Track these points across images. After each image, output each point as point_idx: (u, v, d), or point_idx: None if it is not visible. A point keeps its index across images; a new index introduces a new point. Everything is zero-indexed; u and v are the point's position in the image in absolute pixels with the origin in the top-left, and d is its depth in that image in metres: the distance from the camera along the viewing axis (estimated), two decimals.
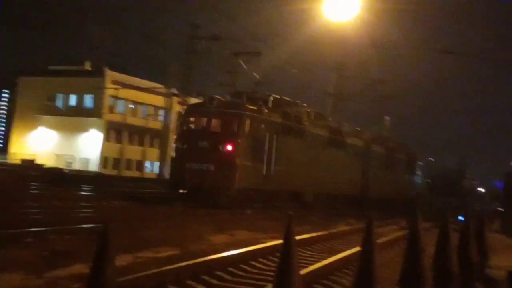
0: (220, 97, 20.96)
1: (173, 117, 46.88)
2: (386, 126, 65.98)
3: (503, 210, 22.94)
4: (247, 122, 19.91)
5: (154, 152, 54.25)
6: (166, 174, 43.02)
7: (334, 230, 14.96)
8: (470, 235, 3.31)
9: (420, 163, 39.54)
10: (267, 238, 12.11)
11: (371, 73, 44.25)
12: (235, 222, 15.07)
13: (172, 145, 40.74)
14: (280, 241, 2.87)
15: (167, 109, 46.94)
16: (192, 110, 21.60)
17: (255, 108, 20.55)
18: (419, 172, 38.63)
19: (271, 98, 22.08)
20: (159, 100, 50.40)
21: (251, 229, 13.81)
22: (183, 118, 21.48)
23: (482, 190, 68.13)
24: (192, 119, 20.73)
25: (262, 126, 20.51)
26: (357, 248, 3.16)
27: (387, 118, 65.90)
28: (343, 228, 16.35)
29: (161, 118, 51.83)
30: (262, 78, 26.68)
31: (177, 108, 44.21)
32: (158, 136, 52.40)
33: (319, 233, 13.28)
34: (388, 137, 35.71)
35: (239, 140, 19.58)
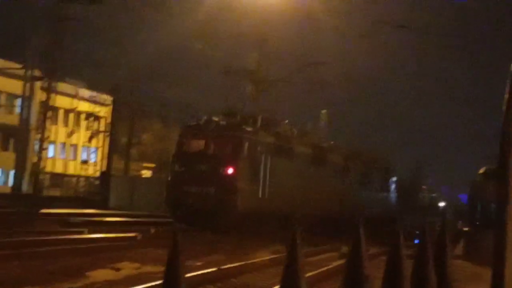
0: (216, 118, 25.98)
1: (35, 108, 45.15)
2: (322, 121, 67.65)
3: (467, 230, 24.03)
4: (246, 144, 24.73)
5: (7, 157, 52.33)
6: (26, 187, 41.66)
7: (256, 260, 15.08)
8: (428, 263, 3.37)
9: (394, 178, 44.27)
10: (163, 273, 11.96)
11: (305, 53, 45.04)
12: (122, 250, 14.82)
13: (35, 148, 39.37)
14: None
15: (27, 98, 45.00)
16: (188, 131, 26.19)
17: (252, 130, 25.69)
18: (393, 187, 44.02)
19: (260, 118, 27.30)
20: (14, 85, 48.63)
21: (142, 260, 13.64)
22: (179, 140, 26.34)
23: (443, 204, 71.21)
24: (188, 141, 25.46)
25: (258, 148, 25.39)
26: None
27: (324, 111, 67.57)
28: (268, 256, 16.53)
29: (18, 109, 50.00)
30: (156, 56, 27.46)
31: (40, 96, 42.73)
32: (13, 135, 50.58)
33: (232, 265, 13.36)
34: (365, 150, 41.07)
35: (240, 163, 24.27)
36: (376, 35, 38.82)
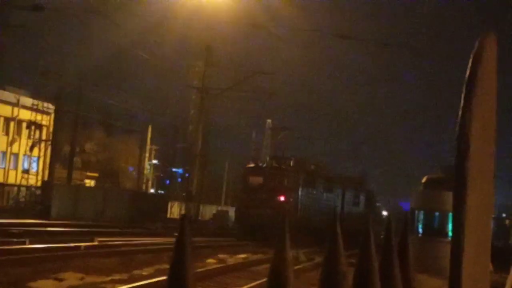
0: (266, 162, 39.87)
1: None
2: (266, 131, 67.65)
3: (409, 238, 24.38)
4: (290, 179, 36.69)
5: None
6: None
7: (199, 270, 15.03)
8: (375, 274, 3.36)
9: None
10: (108, 283, 11.81)
11: (251, 62, 45.20)
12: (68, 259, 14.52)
13: None
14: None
15: None
16: (250, 170, 37.77)
17: (292, 169, 37.56)
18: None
19: (293, 159, 39.46)
20: None
21: (86, 270, 13.39)
22: (243, 176, 37.97)
23: (385, 213, 72.18)
24: (250, 177, 36.77)
25: (297, 181, 37.06)
26: None
27: (269, 120, 67.71)
28: (212, 266, 16.47)
29: None
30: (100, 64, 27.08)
31: None
32: None
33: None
34: (355, 177, 51.77)
35: (287, 192, 36.17)
36: (320, 44, 39.20)
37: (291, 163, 38.69)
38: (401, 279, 3.37)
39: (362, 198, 50.10)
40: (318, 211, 38.20)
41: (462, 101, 2.79)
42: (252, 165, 39.88)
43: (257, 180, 36.56)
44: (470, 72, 2.87)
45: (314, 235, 30.56)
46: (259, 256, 22.07)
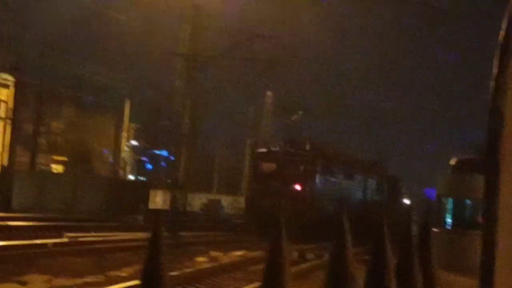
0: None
1: None
2: (267, 105, 67.73)
3: (437, 231, 24.45)
4: (308, 166, 38.53)
5: None
6: None
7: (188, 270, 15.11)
8: (390, 274, 3.35)
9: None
10: (80, 286, 11.88)
11: (246, 26, 44.93)
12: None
13: None
14: None
15: None
16: (261, 156, 40.77)
17: (309, 155, 38.83)
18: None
19: (308, 143, 40.55)
20: None
21: (54, 271, 13.47)
22: (253, 162, 42.34)
23: (407, 201, 72.26)
24: (262, 163, 39.49)
25: (314, 168, 38.96)
26: None
27: (269, 93, 67.71)
28: (203, 265, 16.58)
29: None
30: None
31: None
32: None
33: None
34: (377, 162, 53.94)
35: (305, 180, 38.22)
36: (333, 4, 39.08)
37: (307, 147, 39.75)
38: (422, 278, 3.38)
39: (385, 185, 51.68)
40: (337, 201, 39.00)
41: (494, 69, 2.78)
42: (263, 149, 41.36)
43: (269, 166, 38.61)
44: (505, 34, 2.84)
45: (331, 228, 31.30)
46: (258, 254, 22.14)
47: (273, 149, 40.44)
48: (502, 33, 2.77)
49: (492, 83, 2.76)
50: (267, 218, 32.44)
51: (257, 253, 22.40)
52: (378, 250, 3.30)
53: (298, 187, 37.74)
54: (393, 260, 3.25)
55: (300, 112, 62.29)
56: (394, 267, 3.37)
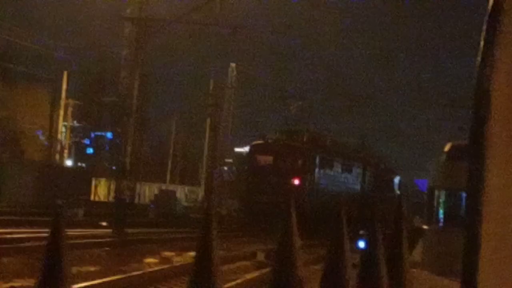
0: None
1: None
2: (230, 80, 67.76)
3: (427, 228, 24.67)
4: (307, 159, 42.14)
5: None
6: None
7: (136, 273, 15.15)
8: (377, 274, 3.40)
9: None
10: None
11: None
12: None
13: None
14: None
15: None
16: (258, 148, 43.73)
17: (308, 147, 42.88)
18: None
19: (306, 134, 45.10)
20: None
21: None
22: (249, 155, 44.45)
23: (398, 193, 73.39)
24: (258, 156, 42.82)
25: (313, 160, 42.61)
26: None
27: (233, 64, 67.71)
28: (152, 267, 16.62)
29: None
30: None
31: None
32: None
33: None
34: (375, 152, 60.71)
35: (303, 174, 41.53)
36: None
37: (305, 139, 43.85)
38: (388, 277, 3.45)
39: (381, 177, 56.25)
40: (336, 196, 41.58)
41: (481, 43, 2.82)
42: (259, 141, 44.32)
43: (266, 160, 42.06)
44: (493, 3, 2.88)
45: (329, 224, 33.52)
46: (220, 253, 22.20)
47: (269, 141, 43.86)
48: (490, 1, 2.82)
49: (478, 59, 2.79)
50: (265, 214, 37.03)
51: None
52: (335, 245, 3.38)
53: (296, 181, 40.59)
54: (351, 256, 3.35)
55: (299, 103, 63.03)
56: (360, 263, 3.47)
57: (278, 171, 40.50)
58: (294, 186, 40.08)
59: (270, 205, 36.58)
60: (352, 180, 48.94)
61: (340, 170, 47.11)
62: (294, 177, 40.55)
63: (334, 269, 3.20)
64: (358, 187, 50.04)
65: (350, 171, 48.82)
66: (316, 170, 42.83)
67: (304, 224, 32.75)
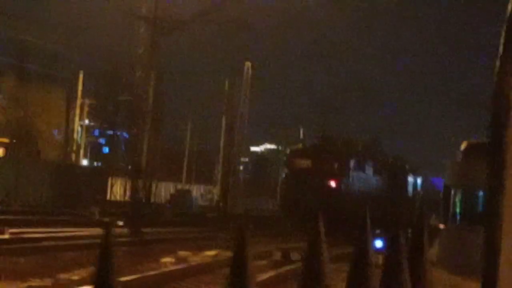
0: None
1: None
2: (246, 80, 67.82)
3: (443, 227, 24.63)
4: (342, 162, 46.26)
5: None
6: None
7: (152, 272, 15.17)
8: (398, 277, 3.44)
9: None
10: None
11: None
12: None
13: None
14: None
15: None
16: (297, 154, 49.45)
17: (343, 149, 48.08)
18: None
19: (340, 139, 50.88)
20: None
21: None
22: (288, 160, 49.61)
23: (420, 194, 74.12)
24: (297, 161, 47.37)
25: (348, 165, 46.79)
26: None
27: (248, 63, 67.66)
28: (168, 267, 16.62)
29: None
30: None
31: None
32: None
33: None
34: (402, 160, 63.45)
35: (340, 178, 45.62)
36: None
37: (339, 144, 49.18)
38: (410, 277, 3.49)
39: (410, 181, 61.54)
40: (368, 199, 43.69)
41: (500, 48, 2.83)
42: (298, 147, 51.48)
43: (304, 163, 46.52)
44: None
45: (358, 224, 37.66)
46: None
47: (307, 146, 50.48)
48: (509, 6, 2.84)
49: (497, 63, 2.80)
50: (304, 213, 39.57)
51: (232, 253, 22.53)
52: (359, 248, 3.45)
53: (333, 184, 45.12)
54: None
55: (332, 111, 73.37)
56: (383, 263, 3.50)
57: (316, 174, 44.53)
58: (331, 187, 44.86)
59: (309, 205, 39.96)
60: (380, 182, 52.61)
61: (370, 173, 50.93)
62: (331, 179, 45.00)
63: (358, 271, 3.28)
64: (385, 188, 53.33)
65: (379, 174, 52.76)
66: (350, 173, 46.79)
67: (339, 222, 32.02)
